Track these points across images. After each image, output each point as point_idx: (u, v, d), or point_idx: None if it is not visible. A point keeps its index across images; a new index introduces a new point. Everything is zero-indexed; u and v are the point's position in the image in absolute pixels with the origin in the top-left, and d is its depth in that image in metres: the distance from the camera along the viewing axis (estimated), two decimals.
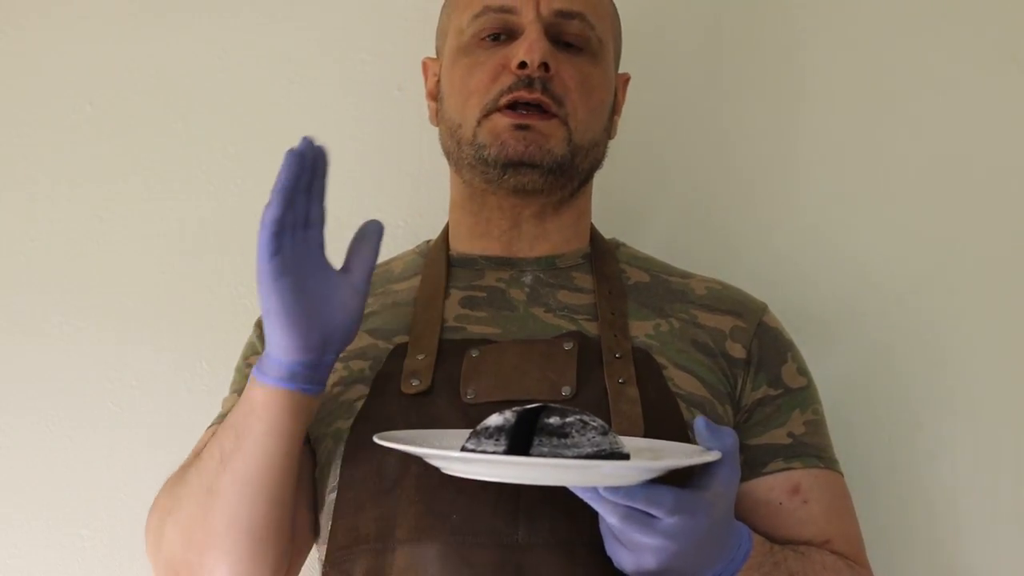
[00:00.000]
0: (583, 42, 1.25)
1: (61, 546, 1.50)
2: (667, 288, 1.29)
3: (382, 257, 1.37)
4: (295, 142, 1.53)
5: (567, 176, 1.24)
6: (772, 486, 1.21)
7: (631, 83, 1.38)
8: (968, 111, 1.52)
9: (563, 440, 0.96)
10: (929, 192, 1.52)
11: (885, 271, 1.51)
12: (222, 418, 1.25)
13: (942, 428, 1.49)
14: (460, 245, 1.30)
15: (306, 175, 1.04)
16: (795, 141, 1.54)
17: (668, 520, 0.99)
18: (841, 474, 1.26)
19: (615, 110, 1.32)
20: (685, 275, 1.32)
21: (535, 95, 1.21)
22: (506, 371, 1.16)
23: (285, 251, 1.04)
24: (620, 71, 1.35)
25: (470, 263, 1.29)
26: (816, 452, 1.24)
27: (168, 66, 1.56)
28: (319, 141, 1.05)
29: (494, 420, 0.99)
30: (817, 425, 1.26)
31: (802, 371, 1.28)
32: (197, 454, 1.19)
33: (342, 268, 1.11)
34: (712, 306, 1.27)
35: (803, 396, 1.26)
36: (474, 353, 1.18)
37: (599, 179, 1.32)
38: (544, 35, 1.22)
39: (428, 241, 1.35)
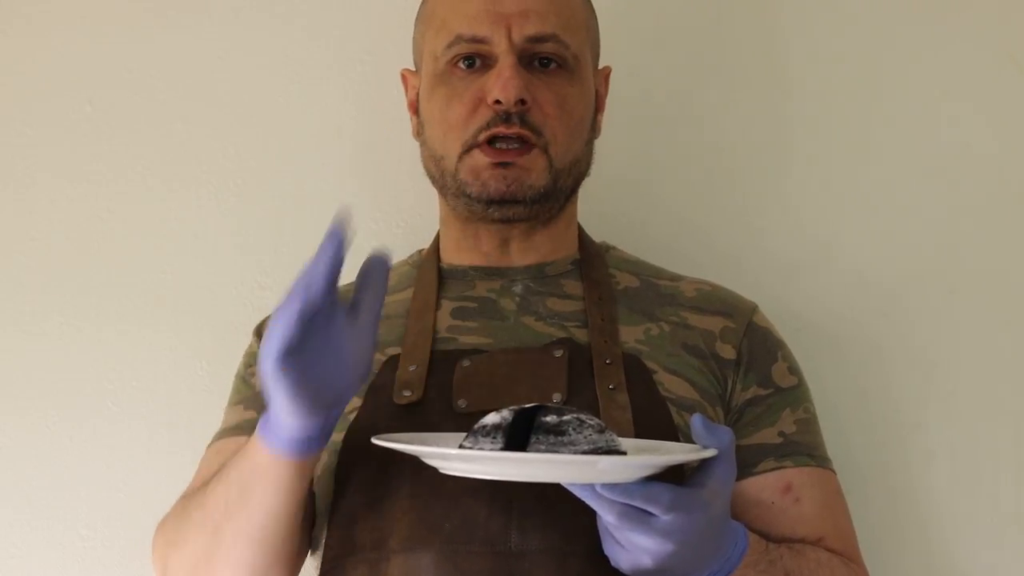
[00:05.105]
0: (559, 61, 1.25)
1: (61, 546, 1.50)
2: (657, 292, 1.29)
3: None
4: (295, 142, 1.55)
5: (552, 200, 1.25)
6: (764, 486, 1.22)
7: (619, 81, 1.38)
8: (966, 111, 1.52)
9: (560, 438, 0.97)
10: (926, 192, 1.52)
11: (880, 272, 1.51)
12: (225, 433, 1.26)
13: (939, 429, 1.49)
14: (450, 257, 1.31)
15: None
16: (789, 142, 1.54)
17: (665, 518, 0.98)
18: (834, 472, 1.26)
19: (598, 108, 1.33)
20: (674, 278, 1.32)
21: (513, 129, 1.21)
22: (497, 380, 1.17)
23: (295, 340, 0.95)
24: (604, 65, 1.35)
25: (460, 274, 1.29)
26: (807, 450, 1.24)
27: (168, 66, 1.56)
28: (346, 220, 0.96)
29: (491, 419, 0.99)
30: (808, 423, 1.26)
31: (793, 370, 1.28)
32: (204, 480, 1.18)
33: (351, 307, 1.01)
34: (702, 307, 1.27)
35: (794, 395, 1.26)
36: (465, 363, 1.19)
37: (589, 183, 1.32)
38: (518, 67, 1.22)
39: (420, 251, 1.35)
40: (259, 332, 1.30)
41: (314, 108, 1.55)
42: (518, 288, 1.27)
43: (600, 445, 0.97)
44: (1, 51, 1.56)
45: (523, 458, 0.95)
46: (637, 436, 1.13)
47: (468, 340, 1.22)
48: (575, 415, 0.98)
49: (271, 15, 1.56)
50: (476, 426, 1.00)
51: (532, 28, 1.23)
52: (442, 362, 1.19)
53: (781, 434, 1.23)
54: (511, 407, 1.00)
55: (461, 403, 1.16)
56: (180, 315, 1.52)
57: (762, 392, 1.25)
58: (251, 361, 1.28)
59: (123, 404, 1.52)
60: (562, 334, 1.22)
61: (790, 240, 1.52)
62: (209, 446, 1.27)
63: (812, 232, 1.52)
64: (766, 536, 1.17)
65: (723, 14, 1.56)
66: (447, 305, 1.26)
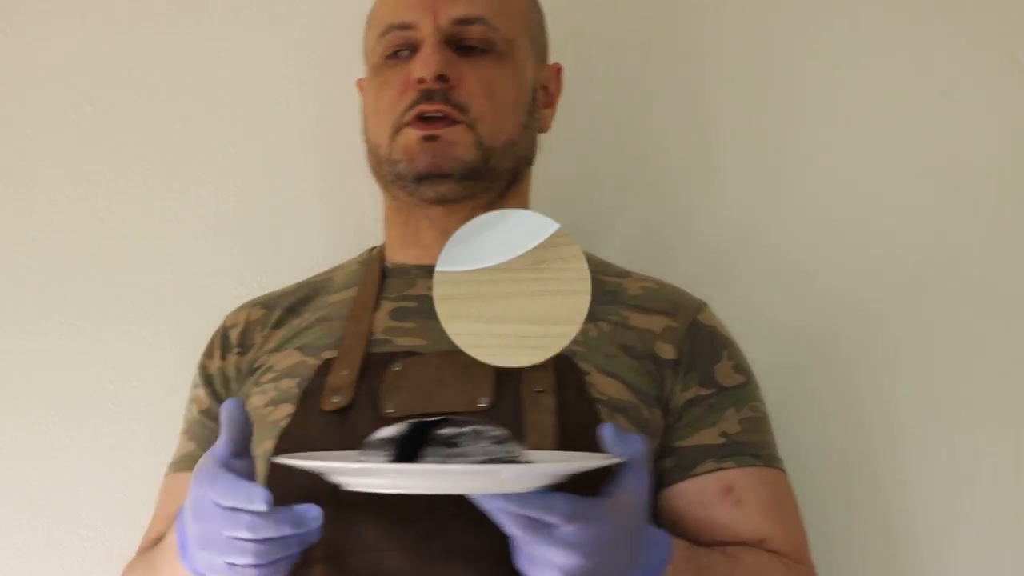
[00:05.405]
0: (487, 44, 1.25)
1: (61, 546, 1.51)
2: (601, 289, 1.25)
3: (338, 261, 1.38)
4: (295, 142, 1.55)
5: (487, 179, 1.24)
6: (703, 488, 1.19)
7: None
8: (966, 111, 1.51)
9: (451, 450, 0.94)
10: (924, 192, 1.51)
11: (878, 274, 1.50)
12: (174, 466, 1.28)
13: (931, 430, 1.48)
14: (394, 255, 1.31)
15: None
16: (786, 143, 1.53)
17: (567, 528, 0.95)
18: (783, 471, 1.24)
19: (545, 103, 1.32)
20: (622, 274, 1.30)
21: (436, 107, 1.22)
22: (426, 384, 1.16)
23: None
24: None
25: (402, 273, 1.28)
26: (752, 450, 1.21)
27: (168, 66, 1.56)
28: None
29: (385, 432, 0.97)
30: (756, 423, 1.23)
31: (740, 369, 1.25)
32: (156, 536, 1.21)
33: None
34: (645, 306, 1.25)
35: (739, 394, 1.23)
36: (397, 367, 1.18)
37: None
38: (441, 46, 1.23)
39: (372, 249, 1.35)
40: (209, 354, 1.31)
41: (314, 108, 1.55)
42: None
43: (497, 456, 0.94)
44: (1, 51, 1.57)
45: (412, 470, 0.92)
46: (562, 440, 1.11)
47: (403, 342, 1.21)
48: (473, 427, 0.95)
49: (271, 15, 1.56)
50: (369, 439, 0.98)
51: (458, 11, 1.25)
52: (375, 366, 1.18)
53: (723, 434, 1.21)
54: (410, 420, 0.97)
55: (389, 408, 1.14)
56: (180, 315, 1.52)
57: (704, 392, 1.22)
58: (198, 382, 1.31)
59: (123, 404, 1.52)
60: None
61: (788, 241, 1.52)
62: (166, 475, 1.29)
63: (810, 231, 1.52)
64: (708, 540, 1.15)
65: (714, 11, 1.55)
66: (387, 306, 1.25)
